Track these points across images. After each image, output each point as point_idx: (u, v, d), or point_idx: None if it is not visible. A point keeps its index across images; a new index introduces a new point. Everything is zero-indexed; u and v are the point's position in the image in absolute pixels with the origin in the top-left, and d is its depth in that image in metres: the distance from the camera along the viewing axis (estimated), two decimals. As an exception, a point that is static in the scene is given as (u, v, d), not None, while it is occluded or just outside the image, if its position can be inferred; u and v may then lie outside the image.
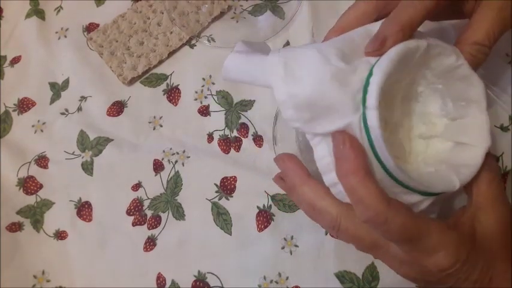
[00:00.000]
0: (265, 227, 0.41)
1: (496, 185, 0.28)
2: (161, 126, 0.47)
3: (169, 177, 0.44)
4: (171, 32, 0.50)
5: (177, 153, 0.45)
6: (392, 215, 0.24)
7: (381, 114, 0.23)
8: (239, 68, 0.25)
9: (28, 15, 0.54)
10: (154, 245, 0.42)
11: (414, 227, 0.25)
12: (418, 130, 0.30)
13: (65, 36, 0.53)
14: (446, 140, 0.30)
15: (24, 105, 0.50)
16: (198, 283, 0.40)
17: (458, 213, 0.29)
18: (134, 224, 0.43)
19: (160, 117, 0.47)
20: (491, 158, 0.28)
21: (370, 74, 0.24)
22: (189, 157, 0.44)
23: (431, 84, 0.29)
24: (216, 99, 0.47)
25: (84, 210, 0.45)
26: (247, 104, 0.45)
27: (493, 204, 0.27)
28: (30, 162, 0.47)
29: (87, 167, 0.46)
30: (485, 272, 0.26)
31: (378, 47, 0.25)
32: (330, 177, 0.26)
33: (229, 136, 0.44)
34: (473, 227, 0.27)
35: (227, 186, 0.43)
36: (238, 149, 0.44)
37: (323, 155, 0.25)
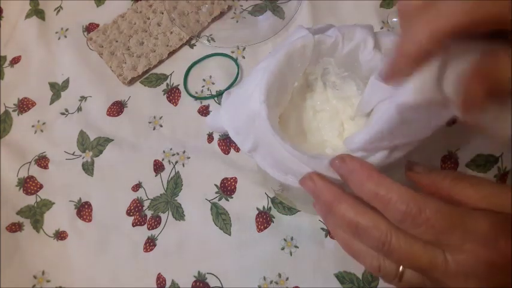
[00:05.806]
0: (265, 227, 0.41)
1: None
2: (161, 126, 0.47)
3: (170, 177, 0.44)
4: (171, 32, 0.50)
5: (177, 153, 0.45)
6: (424, 201, 0.22)
7: (271, 105, 0.28)
8: (213, 121, 0.34)
9: (28, 15, 0.54)
10: (154, 245, 0.42)
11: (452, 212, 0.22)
12: (346, 113, 0.33)
13: (65, 36, 0.53)
14: (361, 116, 0.30)
15: (24, 105, 0.50)
16: (198, 283, 0.40)
17: None
18: (134, 225, 0.43)
19: (161, 117, 0.47)
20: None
21: None
22: (189, 158, 0.44)
23: (338, 75, 0.32)
24: (216, 99, 0.47)
25: (84, 210, 0.45)
26: (247, 104, 0.45)
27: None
28: (30, 163, 0.47)
29: (88, 168, 0.46)
30: None
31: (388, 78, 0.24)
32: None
33: (229, 136, 0.44)
34: None
35: (227, 187, 0.43)
36: (238, 149, 0.44)
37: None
